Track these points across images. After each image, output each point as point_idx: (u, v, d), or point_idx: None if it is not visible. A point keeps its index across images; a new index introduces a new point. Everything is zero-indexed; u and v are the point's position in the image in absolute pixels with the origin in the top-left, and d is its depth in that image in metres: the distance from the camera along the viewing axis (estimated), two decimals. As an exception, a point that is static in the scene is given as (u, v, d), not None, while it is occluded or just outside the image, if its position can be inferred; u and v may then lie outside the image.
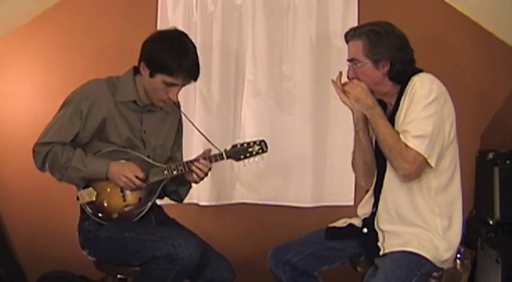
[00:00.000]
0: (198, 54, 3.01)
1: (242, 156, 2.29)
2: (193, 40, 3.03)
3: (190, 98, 3.11)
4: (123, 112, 2.25)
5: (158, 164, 2.26)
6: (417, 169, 2.00)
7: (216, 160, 2.27)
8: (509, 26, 2.95)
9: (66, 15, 3.16)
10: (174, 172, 2.23)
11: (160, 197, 2.44)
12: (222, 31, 3.06)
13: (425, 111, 1.98)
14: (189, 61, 2.18)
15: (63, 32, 3.17)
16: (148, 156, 2.29)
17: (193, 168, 2.23)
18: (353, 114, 2.19)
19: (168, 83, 2.17)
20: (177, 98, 2.24)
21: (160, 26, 3.08)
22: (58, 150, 2.16)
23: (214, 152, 2.31)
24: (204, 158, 2.25)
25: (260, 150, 2.30)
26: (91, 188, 2.22)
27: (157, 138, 2.34)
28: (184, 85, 2.23)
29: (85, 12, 3.16)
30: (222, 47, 3.07)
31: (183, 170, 2.24)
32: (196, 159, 2.25)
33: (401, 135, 2.01)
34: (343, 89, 2.13)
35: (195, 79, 2.23)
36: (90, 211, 2.23)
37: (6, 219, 3.24)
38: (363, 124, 2.19)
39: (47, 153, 2.17)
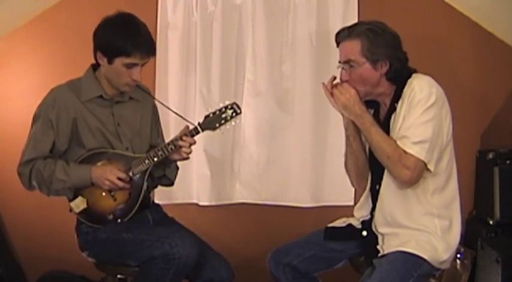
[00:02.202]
0: (198, 53, 3.07)
1: (218, 125, 2.23)
2: (193, 40, 3.08)
3: (191, 98, 3.11)
4: (92, 110, 2.24)
5: (138, 155, 2.25)
6: (418, 175, 1.97)
7: (193, 135, 2.23)
8: (509, 26, 2.95)
9: (66, 15, 3.16)
10: (155, 159, 2.21)
11: (153, 187, 2.43)
12: (222, 31, 3.06)
13: (425, 115, 1.95)
14: (142, 38, 2.17)
15: (63, 32, 3.17)
16: (127, 149, 2.28)
17: (181, 149, 2.20)
18: (343, 118, 2.16)
19: (128, 64, 2.16)
20: (139, 77, 2.21)
21: (160, 26, 3.08)
22: (40, 165, 2.17)
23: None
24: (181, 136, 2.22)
25: (234, 113, 2.23)
26: (80, 197, 2.22)
27: (133, 128, 2.33)
28: (144, 64, 2.21)
29: (85, 12, 3.16)
30: (222, 47, 3.07)
31: (163, 154, 2.21)
32: (177, 139, 2.21)
33: (399, 141, 1.98)
34: (332, 93, 2.09)
35: (153, 54, 2.22)
36: (86, 219, 2.23)
37: (6, 219, 3.24)
38: (353, 129, 2.15)
39: (31, 172, 2.18)
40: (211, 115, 2.23)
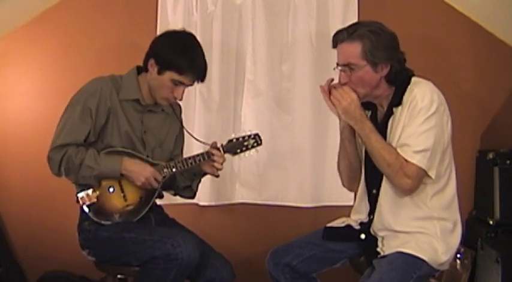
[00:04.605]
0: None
1: (238, 151, 2.33)
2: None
3: (190, 98, 3.10)
4: (125, 110, 2.26)
5: (158, 162, 2.27)
6: (418, 183, 1.97)
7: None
8: (509, 26, 2.95)
9: (66, 15, 3.16)
10: (174, 170, 2.24)
11: (160, 197, 2.44)
12: (222, 31, 3.06)
13: (426, 124, 1.93)
14: (199, 62, 2.21)
15: (63, 32, 3.17)
16: (148, 157, 2.30)
17: (213, 163, 2.27)
18: (339, 121, 2.14)
19: (176, 81, 2.19)
20: (182, 97, 2.25)
21: (160, 26, 3.08)
22: (72, 152, 2.15)
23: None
24: (202, 154, 2.27)
25: (255, 144, 2.35)
26: (91, 190, 2.21)
27: (157, 139, 2.35)
28: (190, 85, 2.25)
29: (85, 12, 3.16)
30: (222, 47, 3.07)
31: (182, 167, 2.25)
32: (206, 152, 2.27)
33: (399, 149, 1.96)
34: (330, 96, 2.05)
35: (202, 80, 2.25)
36: (92, 213, 2.22)
37: (6, 219, 3.23)
38: (349, 133, 2.15)
39: (62, 158, 2.15)
40: (234, 140, 2.33)
